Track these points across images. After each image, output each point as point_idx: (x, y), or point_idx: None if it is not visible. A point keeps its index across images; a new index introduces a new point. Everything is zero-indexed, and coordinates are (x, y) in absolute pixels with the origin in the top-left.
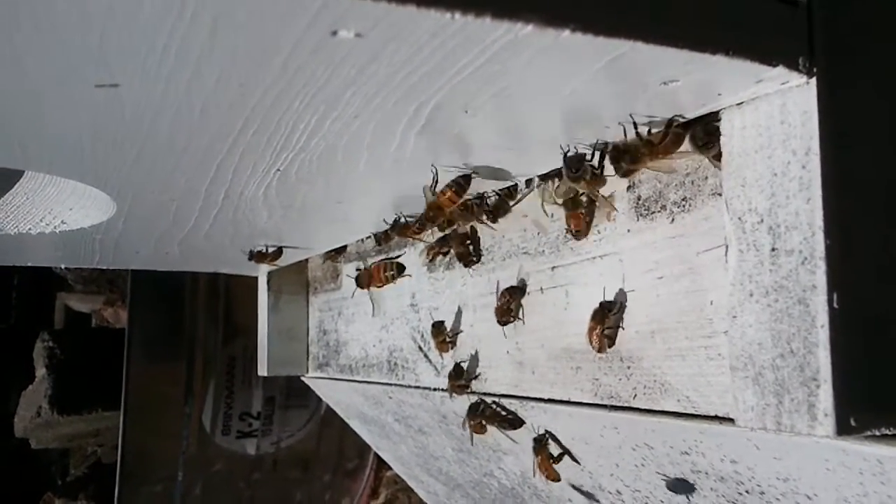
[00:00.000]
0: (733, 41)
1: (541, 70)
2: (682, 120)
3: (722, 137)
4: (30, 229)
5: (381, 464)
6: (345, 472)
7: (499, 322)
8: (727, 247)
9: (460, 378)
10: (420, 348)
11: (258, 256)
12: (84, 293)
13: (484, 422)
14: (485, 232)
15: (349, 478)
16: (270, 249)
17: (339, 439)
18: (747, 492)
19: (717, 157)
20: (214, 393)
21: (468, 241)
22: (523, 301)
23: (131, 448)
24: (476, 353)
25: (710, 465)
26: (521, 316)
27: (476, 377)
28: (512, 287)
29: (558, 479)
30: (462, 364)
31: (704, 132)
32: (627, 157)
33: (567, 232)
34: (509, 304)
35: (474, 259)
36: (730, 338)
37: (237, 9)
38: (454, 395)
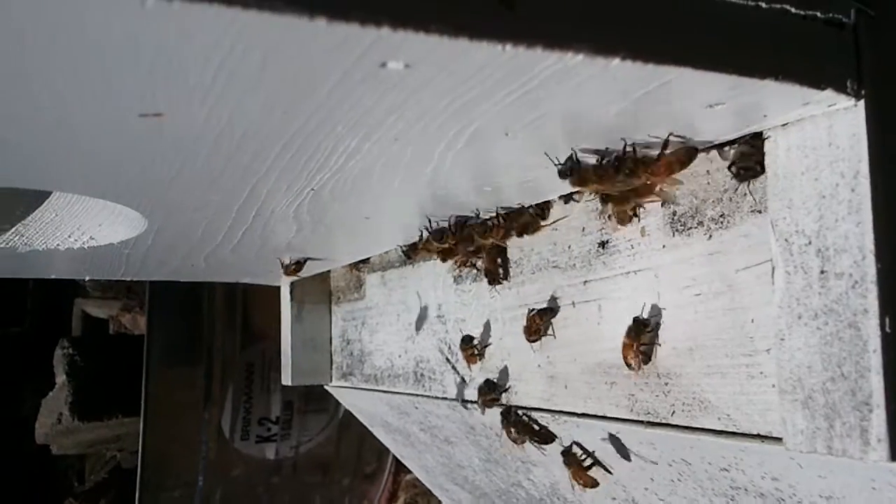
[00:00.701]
0: (781, 66)
1: (586, 95)
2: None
3: (766, 158)
4: (58, 245)
5: (400, 468)
6: (363, 476)
7: (528, 340)
8: (773, 268)
9: (491, 392)
10: (447, 360)
11: (284, 268)
12: (101, 299)
13: (514, 430)
14: (513, 244)
15: (368, 482)
16: (294, 261)
17: (357, 443)
18: None
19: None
20: (233, 398)
21: (499, 259)
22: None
23: (151, 453)
24: (505, 366)
25: (750, 482)
26: (550, 332)
27: (506, 390)
28: (542, 310)
29: (596, 485)
30: (492, 378)
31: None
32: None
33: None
34: (538, 325)
35: (502, 278)
36: (778, 360)
37: (288, 44)
38: (485, 408)
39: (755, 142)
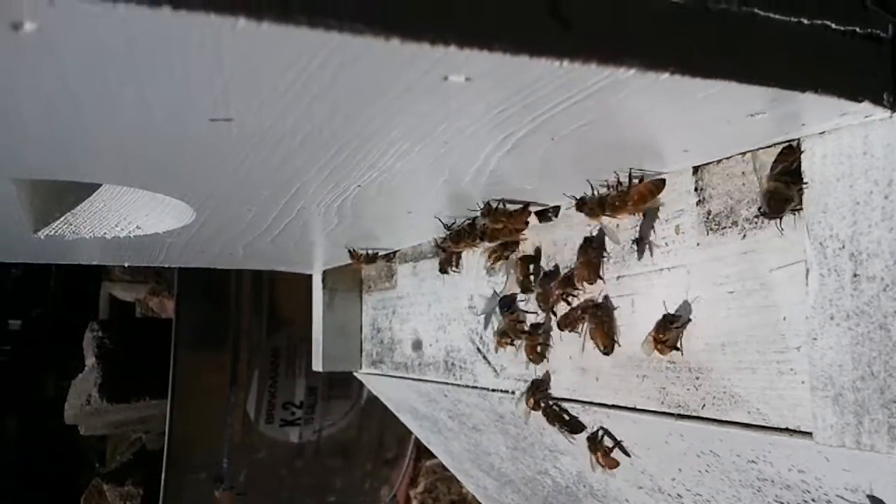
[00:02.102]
0: (821, 79)
1: (634, 105)
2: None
3: (803, 164)
4: (105, 233)
5: (421, 454)
6: (384, 462)
7: (559, 326)
8: (808, 270)
9: (538, 392)
10: (479, 350)
11: (356, 258)
12: (129, 283)
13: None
14: (546, 239)
15: (388, 467)
16: (366, 251)
17: (379, 429)
18: (813, 500)
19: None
20: (258, 382)
21: (531, 267)
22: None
23: (178, 435)
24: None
25: (777, 474)
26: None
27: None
28: (596, 304)
29: (618, 465)
30: (539, 378)
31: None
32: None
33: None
34: (576, 318)
35: (531, 289)
36: (810, 358)
37: (362, 61)
38: (533, 410)
39: (793, 178)
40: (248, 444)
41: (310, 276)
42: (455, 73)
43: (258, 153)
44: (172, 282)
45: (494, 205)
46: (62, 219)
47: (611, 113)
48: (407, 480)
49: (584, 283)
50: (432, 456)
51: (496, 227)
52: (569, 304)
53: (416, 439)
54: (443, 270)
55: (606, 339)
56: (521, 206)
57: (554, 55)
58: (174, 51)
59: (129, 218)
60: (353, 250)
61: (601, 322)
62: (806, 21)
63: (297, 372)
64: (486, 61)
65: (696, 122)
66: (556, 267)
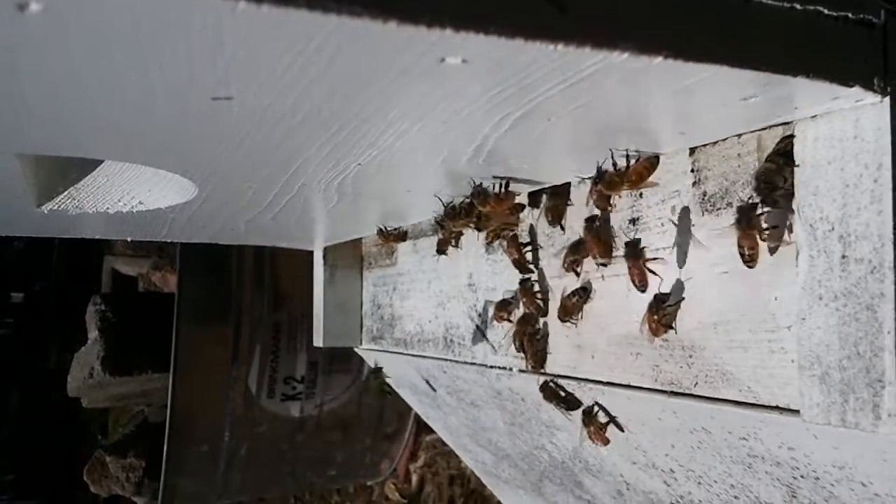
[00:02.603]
0: (813, 64)
1: (629, 88)
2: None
3: (795, 147)
4: (108, 208)
5: (421, 428)
6: (384, 436)
7: (560, 318)
8: (798, 251)
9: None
10: (478, 327)
11: (384, 236)
12: (131, 257)
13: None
14: (543, 220)
15: (388, 441)
16: (394, 228)
17: (379, 404)
18: (802, 476)
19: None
20: (260, 357)
21: (526, 248)
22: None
23: (180, 409)
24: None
25: (767, 451)
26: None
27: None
28: (576, 290)
29: (609, 442)
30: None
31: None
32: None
33: None
34: (572, 306)
35: (531, 268)
36: (798, 338)
37: (360, 42)
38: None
39: (785, 159)
40: (249, 418)
41: (310, 253)
42: (451, 56)
43: (258, 131)
44: (175, 256)
45: (484, 186)
46: (65, 193)
47: (606, 95)
48: (407, 455)
49: (598, 258)
50: (432, 431)
51: (485, 209)
52: (577, 273)
53: (416, 414)
54: (441, 251)
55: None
56: (505, 188)
57: (549, 39)
58: (177, 32)
59: (132, 193)
60: (384, 228)
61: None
62: (799, 7)
63: (298, 347)
64: (482, 44)
65: (690, 104)
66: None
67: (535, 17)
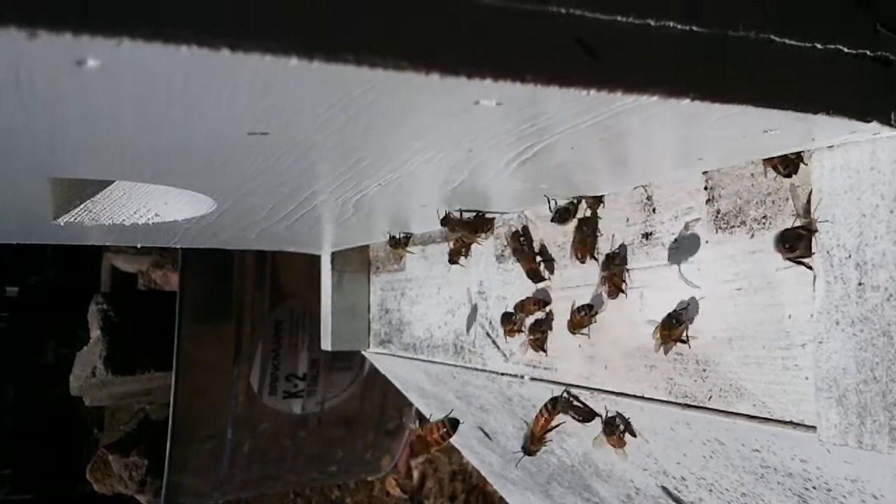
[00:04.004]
0: (833, 102)
1: (654, 123)
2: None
3: (811, 176)
4: (123, 220)
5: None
6: (386, 432)
7: (571, 332)
8: (815, 277)
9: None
10: (488, 334)
11: (393, 242)
12: (131, 254)
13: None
14: (555, 231)
15: (390, 437)
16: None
17: (380, 401)
18: (814, 488)
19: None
20: (262, 355)
21: (539, 259)
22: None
23: (182, 407)
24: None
25: (780, 463)
26: (594, 321)
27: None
28: (584, 306)
29: (624, 445)
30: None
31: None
32: None
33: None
34: (581, 319)
35: (544, 277)
36: (815, 360)
37: (399, 90)
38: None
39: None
40: (251, 416)
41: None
42: (486, 99)
43: (286, 159)
44: (176, 254)
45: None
46: (82, 206)
47: (632, 129)
48: (408, 450)
49: (577, 259)
50: None
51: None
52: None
53: (418, 410)
54: (452, 261)
55: None
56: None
57: (582, 85)
58: (225, 84)
59: (149, 206)
60: (395, 236)
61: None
62: (819, 46)
63: (299, 344)
64: (518, 89)
65: (712, 137)
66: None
67: (568, 65)
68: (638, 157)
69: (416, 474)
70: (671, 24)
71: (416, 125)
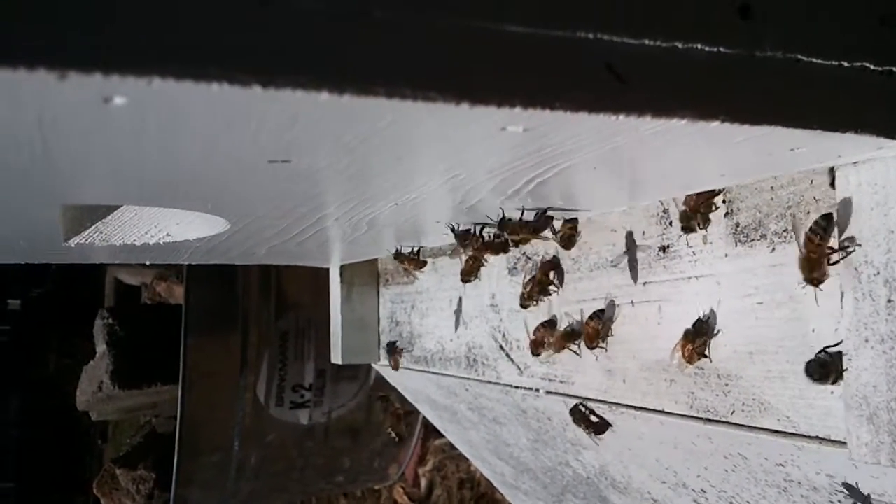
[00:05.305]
0: (860, 120)
1: (681, 145)
2: None
3: (837, 192)
4: (134, 240)
5: (429, 433)
6: (392, 441)
7: (588, 347)
8: (842, 293)
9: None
10: (501, 347)
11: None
12: (135, 267)
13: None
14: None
15: (396, 446)
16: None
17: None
18: (839, 501)
19: None
20: (268, 366)
21: (553, 272)
22: (613, 315)
23: (190, 420)
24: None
25: (805, 477)
26: (611, 334)
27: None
28: (599, 311)
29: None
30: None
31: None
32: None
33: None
34: (597, 331)
35: (555, 289)
36: (845, 379)
37: (427, 119)
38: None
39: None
40: (258, 427)
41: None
42: (513, 125)
43: (305, 183)
44: (180, 267)
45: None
46: (93, 227)
47: (657, 150)
48: (415, 459)
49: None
50: (441, 435)
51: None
52: None
53: (424, 418)
54: (465, 280)
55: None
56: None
57: (611, 111)
58: (252, 118)
59: (160, 226)
60: (405, 252)
61: None
62: (846, 64)
63: (305, 355)
64: (549, 116)
65: (737, 154)
66: None
67: (598, 91)
68: (659, 175)
69: (423, 482)
70: (698, 46)
71: (439, 151)
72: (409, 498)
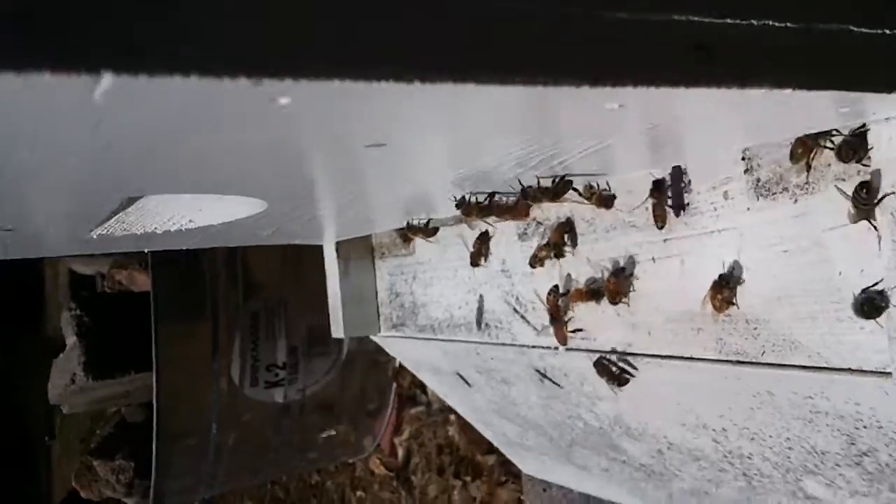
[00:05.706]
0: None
1: (735, 109)
2: None
3: (871, 145)
4: (156, 229)
5: (404, 403)
6: (367, 413)
7: (611, 302)
8: (880, 238)
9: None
10: (515, 310)
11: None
12: (90, 256)
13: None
14: (584, 207)
15: (371, 417)
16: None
17: (360, 383)
18: (865, 427)
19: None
20: (240, 347)
21: (567, 232)
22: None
23: (165, 406)
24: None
25: (833, 407)
26: (632, 289)
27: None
28: (619, 268)
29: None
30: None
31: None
32: None
33: None
34: (619, 287)
35: (569, 251)
36: (889, 313)
37: (559, 103)
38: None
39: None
40: (234, 409)
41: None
42: (610, 102)
43: (363, 171)
44: (143, 255)
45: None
46: (115, 218)
47: (692, 119)
48: (391, 429)
49: None
50: (415, 404)
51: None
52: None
53: (397, 389)
54: (474, 264)
55: None
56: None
57: (703, 84)
58: (354, 108)
59: (183, 213)
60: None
61: None
62: (889, 31)
63: (276, 334)
64: (651, 93)
65: (783, 115)
66: None
67: (693, 68)
68: (701, 133)
69: (400, 452)
70: (770, 22)
71: (524, 128)
72: (386, 468)
